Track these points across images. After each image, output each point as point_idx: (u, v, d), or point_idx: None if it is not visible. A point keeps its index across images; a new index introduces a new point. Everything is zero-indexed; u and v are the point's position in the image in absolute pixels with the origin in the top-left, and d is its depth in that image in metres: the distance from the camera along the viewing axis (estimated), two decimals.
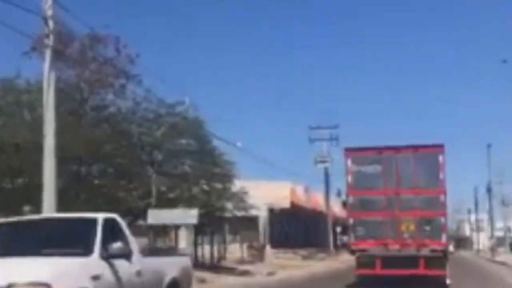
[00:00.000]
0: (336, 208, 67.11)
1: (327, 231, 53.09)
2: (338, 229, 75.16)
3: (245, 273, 28.07)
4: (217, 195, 27.95)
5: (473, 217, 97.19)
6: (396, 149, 20.55)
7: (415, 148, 20.42)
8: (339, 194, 71.42)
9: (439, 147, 20.23)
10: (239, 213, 31.53)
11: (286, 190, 49.17)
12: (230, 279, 23.78)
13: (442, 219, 19.86)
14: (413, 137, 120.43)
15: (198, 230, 32.64)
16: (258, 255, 40.92)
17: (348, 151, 21.23)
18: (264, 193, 43.48)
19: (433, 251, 19.48)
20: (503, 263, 42.33)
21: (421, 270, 19.47)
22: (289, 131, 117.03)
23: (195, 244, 32.35)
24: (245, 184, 30.63)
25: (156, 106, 25.22)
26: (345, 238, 63.48)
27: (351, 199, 20.57)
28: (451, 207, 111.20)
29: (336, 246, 62.69)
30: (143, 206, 24.08)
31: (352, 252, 20.64)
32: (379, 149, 20.74)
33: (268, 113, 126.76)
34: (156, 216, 22.20)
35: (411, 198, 19.82)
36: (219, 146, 28.13)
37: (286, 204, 48.49)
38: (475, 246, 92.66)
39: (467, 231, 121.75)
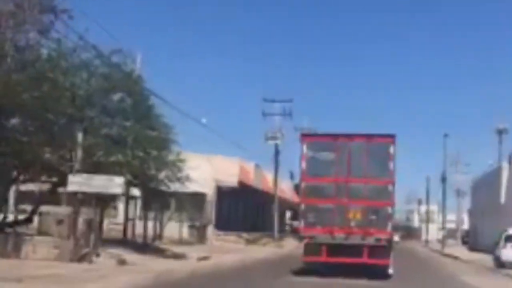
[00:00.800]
0: (288, 191, 65.14)
1: (272, 214, 50.23)
2: (288, 214, 72.93)
3: (176, 256, 24.84)
4: (153, 163, 24.13)
5: (423, 208, 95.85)
6: (350, 137, 20.75)
7: (368, 137, 20.68)
8: (292, 176, 69.02)
9: (391, 138, 20.52)
10: (187, 189, 27.88)
11: (235, 167, 45.08)
12: (155, 263, 20.53)
13: (389, 209, 20.22)
14: (368, 115, 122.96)
15: (145, 205, 30.55)
16: (198, 236, 38.58)
17: (304, 136, 21.50)
18: (212, 169, 41.42)
19: (377, 240, 19.78)
20: (454, 257, 40.97)
21: (365, 259, 19.82)
22: (244, 105, 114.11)
23: (145, 219, 30.00)
24: (190, 157, 27.64)
25: (90, 53, 21.51)
26: (295, 223, 61.62)
27: (303, 185, 20.75)
28: (402, 197, 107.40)
29: (283, 231, 60.55)
30: (67, 169, 20.75)
31: (301, 238, 20.82)
32: (334, 136, 20.94)
33: (224, 83, 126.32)
34: (76, 183, 19.34)
35: (360, 187, 20.09)
36: (159, 107, 24.61)
37: (234, 182, 44.29)
38: (423, 237, 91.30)
39: (416, 222, 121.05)
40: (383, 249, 19.98)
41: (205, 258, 25.26)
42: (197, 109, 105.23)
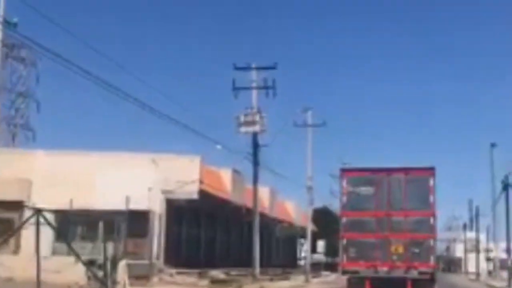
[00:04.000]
0: (295, 213, 53.31)
1: (251, 240, 32.97)
2: (304, 245, 57.40)
3: None
4: None
5: (469, 235, 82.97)
6: (388, 171, 21.06)
7: (407, 170, 20.96)
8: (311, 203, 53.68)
9: (430, 170, 20.78)
10: (108, 206, 22.71)
11: (192, 169, 29.52)
12: None
13: (431, 242, 20.41)
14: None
15: (62, 232, 22.96)
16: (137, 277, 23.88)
17: (344, 171, 21.92)
18: (160, 175, 28.08)
19: (421, 273, 19.94)
20: None
21: None
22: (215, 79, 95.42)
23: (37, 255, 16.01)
24: (122, 158, 22.56)
25: None
26: (317, 256, 56.25)
27: (344, 220, 21.08)
28: (441, 223, 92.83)
29: (294, 266, 52.43)
30: None
31: (344, 273, 21.04)
32: (373, 171, 21.28)
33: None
34: None
35: (401, 220, 20.38)
36: None
37: (192, 192, 29.29)
38: (470, 269, 78.93)
39: (459, 252, 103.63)
40: (427, 282, 20.14)
41: None
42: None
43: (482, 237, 75.99)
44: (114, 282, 21.01)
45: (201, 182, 29.70)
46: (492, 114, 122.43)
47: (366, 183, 20.96)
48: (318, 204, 65.98)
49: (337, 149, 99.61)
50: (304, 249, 56.58)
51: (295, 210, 54.34)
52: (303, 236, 51.86)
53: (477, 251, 71.25)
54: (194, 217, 35.46)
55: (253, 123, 31.24)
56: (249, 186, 33.73)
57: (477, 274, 65.37)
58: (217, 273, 31.36)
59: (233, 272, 32.97)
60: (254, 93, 31.92)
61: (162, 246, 29.38)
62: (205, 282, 27.80)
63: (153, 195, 28.03)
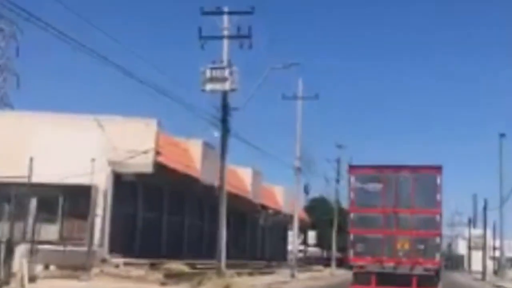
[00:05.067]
0: (279, 194, 48.26)
1: (216, 225, 27.67)
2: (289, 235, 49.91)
3: None
4: None
5: (473, 232, 79.81)
6: (396, 168, 21.59)
7: (414, 168, 21.49)
8: (306, 190, 50.57)
9: (437, 169, 21.25)
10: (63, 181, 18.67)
11: (147, 136, 24.93)
12: None
13: (437, 239, 20.95)
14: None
15: None
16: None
17: (352, 168, 22.59)
18: (107, 142, 23.72)
19: (426, 270, 20.44)
20: None
21: None
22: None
23: None
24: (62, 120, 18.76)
25: None
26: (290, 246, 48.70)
27: (352, 215, 21.67)
28: (444, 219, 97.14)
29: (281, 259, 48.10)
30: None
31: (351, 267, 21.60)
32: (381, 168, 21.81)
33: None
34: None
35: (408, 217, 20.92)
36: None
37: (146, 165, 24.63)
38: (473, 267, 75.56)
39: (462, 249, 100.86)
40: (432, 278, 20.63)
41: None
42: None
43: (488, 233, 69.50)
44: (9, 275, 16.41)
45: (157, 152, 24.61)
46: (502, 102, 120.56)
47: (374, 180, 21.46)
48: (314, 194, 63.76)
49: (332, 129, 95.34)
50: (290, 241, 47.34)
51: (284, 196, 48.42)
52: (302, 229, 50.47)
53: (484, 248, 64.60)
54: (153, 197, 29.55)
55: (222, 79, 25.45)
56: (229, 165, 29.09)
57: (484, 273, 58.71)
58: (177, 265, 26.61)
59: (201, 264, 28.15)
60: (225, 43, 26.47)
61: (107, 231, 24.27)
62: (157, 276, 23.17)
63: (98, 166, 22.73)
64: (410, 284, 20.29)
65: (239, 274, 27.27)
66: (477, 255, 73.58)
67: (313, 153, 51.67)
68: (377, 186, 21.33)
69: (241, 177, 33.83)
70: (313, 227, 64.13)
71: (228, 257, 26.19)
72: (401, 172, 21.35)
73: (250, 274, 30.25)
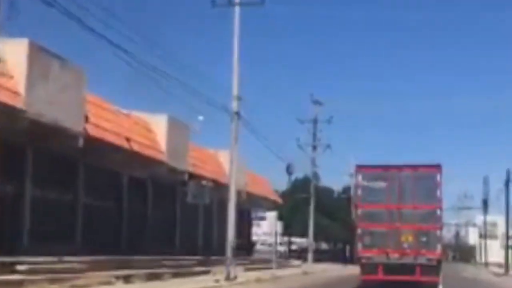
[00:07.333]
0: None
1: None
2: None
3: None
4: None
5: (483, 219, 68.79)
6: (399, 168, 23.60)
7: (416, 167, 23.53)
8: (289, 170, 44.10)
9: (437, 167, 23.28)
10: None
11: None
12: None
13: (438, 232, 23.01)
14: None
15: None
16: None
17: (359, 167, 24.65)
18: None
19: (428, 260, 22.38)
20: None
21: (417, 277, 22.53)
22: None
23: None
24: None
25: None
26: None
27: (360, 211, 23.74)
28: (449, 204, 74.07)
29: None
30: None
31: (359, 259, 23.62)
32: (385, 167, 23.89)
33: None
34: None
35: (411, 212, 22.89)
36: None
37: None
38: (484, 259, 68.89)
39: (472, 239, 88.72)
40: (434, 268, 22.57)
41: None
42: None
43: (500, 220, 63.72)
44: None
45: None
46: None
47: (379, 179, 23.47)
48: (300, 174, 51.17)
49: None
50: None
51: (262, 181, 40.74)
52: (270, 209, 36.42)
53: (507, 235, 53.01)
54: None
55: None
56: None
57: (506, 266, 50.72)
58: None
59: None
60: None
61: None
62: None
63: None
64: (414, 273, 22.35)
65: (126, 278, 19.56)
66: (491, 245, 68.97)
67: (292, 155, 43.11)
68: (382, 184, 23.38)
69: (150, 128, 23.70)
70: (293, 213, 50.55)
71: (137, 250, 21.13)
72: (403, 171, 23.38)
73: (156, 276, 21.80)
